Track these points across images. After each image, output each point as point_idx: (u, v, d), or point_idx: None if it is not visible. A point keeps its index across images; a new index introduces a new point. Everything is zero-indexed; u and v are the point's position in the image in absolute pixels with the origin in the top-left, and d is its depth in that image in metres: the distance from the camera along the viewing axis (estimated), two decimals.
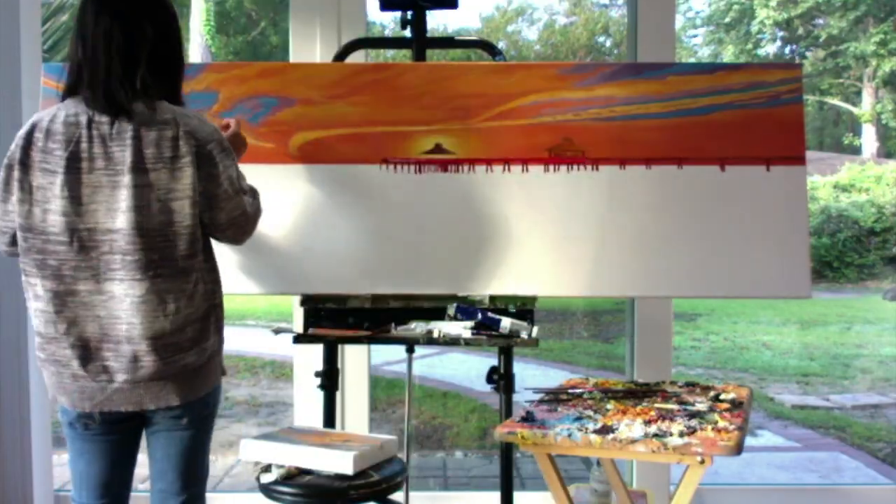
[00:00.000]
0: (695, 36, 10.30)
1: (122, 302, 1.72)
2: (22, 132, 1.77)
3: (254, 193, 1.97)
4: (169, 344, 1.75)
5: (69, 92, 1.78)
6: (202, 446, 1.89)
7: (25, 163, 1.74)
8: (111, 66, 1.73)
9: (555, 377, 5.69)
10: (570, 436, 1.83)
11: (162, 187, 1.73)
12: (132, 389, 1.75)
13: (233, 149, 2.03)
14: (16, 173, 1.74)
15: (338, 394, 2.57)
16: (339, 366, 2.55)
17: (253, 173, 2.41)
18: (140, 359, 1.74)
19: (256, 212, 1.95)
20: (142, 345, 1.73)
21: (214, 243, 1.91)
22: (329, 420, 2.49)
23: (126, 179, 1.71)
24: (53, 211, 1.72)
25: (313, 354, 2.75)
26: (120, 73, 1.73)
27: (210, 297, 1.84)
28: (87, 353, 1.74)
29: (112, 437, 1.84)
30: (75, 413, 1.80)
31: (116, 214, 1.71)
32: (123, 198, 1.71)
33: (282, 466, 2.06)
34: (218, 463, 4.08)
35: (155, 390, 1.77)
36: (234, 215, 1.85)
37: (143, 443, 1.92)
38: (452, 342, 2.30)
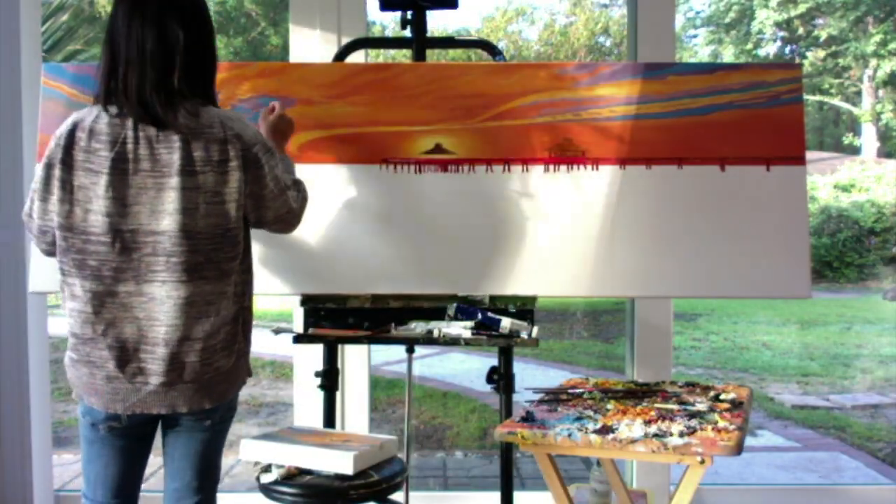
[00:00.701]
0: (695, 36, 10.30)
1: (164, 304, 1.72)
2: (62, 131, 1.76)
3: (297, 185, 1.98)
4: (206, 347, 1.75)
5: (105, 99, 1.76)
6: (219, 448, 1.90)
7: (67, 162, 1.73)
8: (145, 72, 1.72)
9: (555, 377, 5.69)
10: (570, 436, 1.83)
11: (209, 190, 1.73)
12: (167, 392, 1.75)
13: (280, 131, 2.12)
14: (57, 172, 1.74)
15: (338, 394, 2.57)
16: (339, 366, 2.55)
17: None
18: (177, 361, 1.73)
19: (302, 204, 1.98)
20: (181, 347, 1.73)
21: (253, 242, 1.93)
22: (329, 420, 2.49)
23: (174, 182, 1.71)
24: (95, 211, 1.72)
25: (313, 354, 2.75)
26: (154, 78, 1.72)
27: (240, 300, 1.83)
28: (124, 354, 1.74)
29: (132, 438, 1.84)
30: (103, 414, 1.78)
31: (162, 216, 1.72)
32: (170, 200, 1.71)
33: (282, 466, 2.06)
34: None
35: (189, 393, 1.76)
36: (280, 213, 1.88)
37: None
38: (452, 342, 2.30)
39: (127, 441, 1.83)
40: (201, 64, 1.81)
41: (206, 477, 1.87)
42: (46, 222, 1.78)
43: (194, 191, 1.72)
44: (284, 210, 1.89)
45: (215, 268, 1.76)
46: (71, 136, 1.74)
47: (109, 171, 1.71)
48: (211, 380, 1.78)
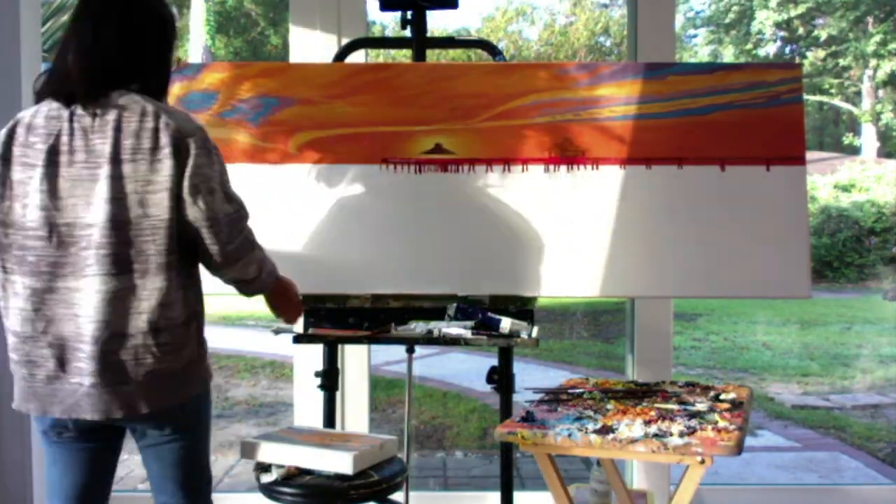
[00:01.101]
0: (695, 36, 10.32)
1: (93, 299, 1.65)
2: (5, 128, 1.74)
3: (240, 210, 1.81)
4: (140, 345, 1.67)
5: (45, 92, 1.74)
6: (197, 455, 1.81)
7: (6, 158, 1.70)
8: (85, 63, 1.70)
9: (555, 377, 5.69)
10: (570, 436, 1.83)
11: (140, 179, 1.66)
12: (99, 395, 1.66)
13: (284, 302, 2.02)
14: None
15: (338, 394, 2.57)
16: (339, 366, 2.55)
17: (254, 173, 2.41)
18: (108, 361, 1.65)
19: (238, 234, 1.78)
20: (111, 345, 1.65)
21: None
22: (329, 420, 2.49)
23: (105, 171, 1.66)
24: (32, 206, 1.67)
25: (313, 354, 2.75)
26: (92, 70, 1.69)
27: (192, 304, 1.76)
28: (64, 353, 1.67)
29: (88, 445, 1.75)
30: (49, 420, 1.71)
31: (92, 208, 1.66)
32: (101, 190, 1.66)
33: (282, 466, 2.06)
34: (218, 463, 4.09)
35: (122, 397, 1.67)
36: (218, 216, 1.72)
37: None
38: (452, 342, 2.30)
39: (82, 447, 1.75)
40: (146, 59, 1.76)
41: (189, 487, 1.79)
42: None
43: (123, 180, 1.66)
44: (222, 214, 1.73)
45: (146, 261, 1.67)
46: (11, 133, 1.72)
47: (44, 164, 1.67)
48: (148, 382, 1.68)
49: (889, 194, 8.22)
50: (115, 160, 1.66)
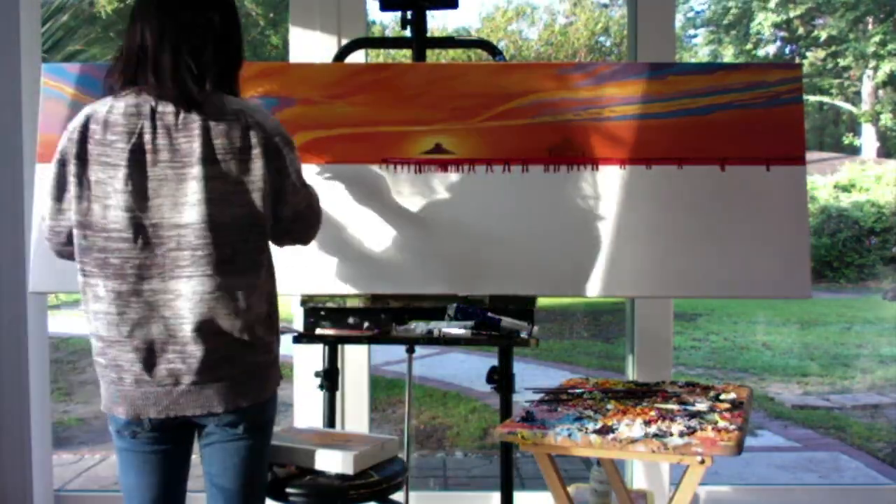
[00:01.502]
0: (695, 36, 10.32)
1: (190, 300, 1.64)
2: (75, 124, 1.68)
3: (316, 195, 1.93)
4: (237, 341, 1.68)
5: (127, 83, 1.69)
6: (261, 456, 1.79)
7: (81, 157, 1.66)
8: (179, 55, 1.66)
9: (555, 377, 5.69)
10: (570, 436, 1.83)
11: (233, 179, 1.66)
12: (200, 391, 1.66)
13: None
14: (71, 168, 1.66)
15: (338, 394, 2.57)
16: (339, 366, 2.55)
17: None
18: (209, 358, 1.66)
19: (320, 208, 1.92)
20: (210, 342, 1.65)
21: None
22: (329, 420, 2.49)
23: (195, 171, 1.64)
24: (115, 206, 1.64)
25: (313, 354, 2.75)
26: (188, 62, 1.66)
27: (275, 301, 1.78)
28: (152, 355, 1.66)
29: (163, 446, 1.74)
30: (124, 420, 1.70)
31: (184, 208, 1.64)
32: (193, 191, 1.64)
33: (282, 466, 2.06)
34: None
35: (223, 392, 1.68)
36: (300, 208, 1.81)
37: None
38: (452, 342, 2.30)
39: (158, 449, 1.73)
40: (231, 53, 1.76)
41: (250, 489, 1.76)
42: (59, 222, 1.71)
43: (218, 180, 1.65)
44: (304, 205, 1.82)
45: (243, 260, 1.69)
46: (84, 130, 1.66)
47: (128, 164, 1.63)
48: (245, 376, 1.70)
49: (889, 194, 8.22)
50: (206, 160, 1.64)
